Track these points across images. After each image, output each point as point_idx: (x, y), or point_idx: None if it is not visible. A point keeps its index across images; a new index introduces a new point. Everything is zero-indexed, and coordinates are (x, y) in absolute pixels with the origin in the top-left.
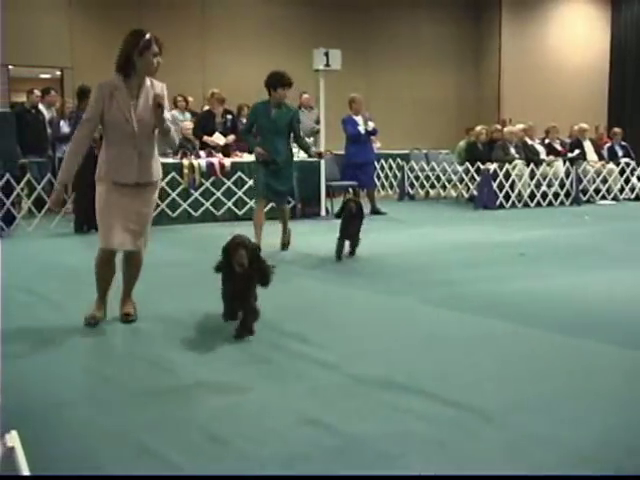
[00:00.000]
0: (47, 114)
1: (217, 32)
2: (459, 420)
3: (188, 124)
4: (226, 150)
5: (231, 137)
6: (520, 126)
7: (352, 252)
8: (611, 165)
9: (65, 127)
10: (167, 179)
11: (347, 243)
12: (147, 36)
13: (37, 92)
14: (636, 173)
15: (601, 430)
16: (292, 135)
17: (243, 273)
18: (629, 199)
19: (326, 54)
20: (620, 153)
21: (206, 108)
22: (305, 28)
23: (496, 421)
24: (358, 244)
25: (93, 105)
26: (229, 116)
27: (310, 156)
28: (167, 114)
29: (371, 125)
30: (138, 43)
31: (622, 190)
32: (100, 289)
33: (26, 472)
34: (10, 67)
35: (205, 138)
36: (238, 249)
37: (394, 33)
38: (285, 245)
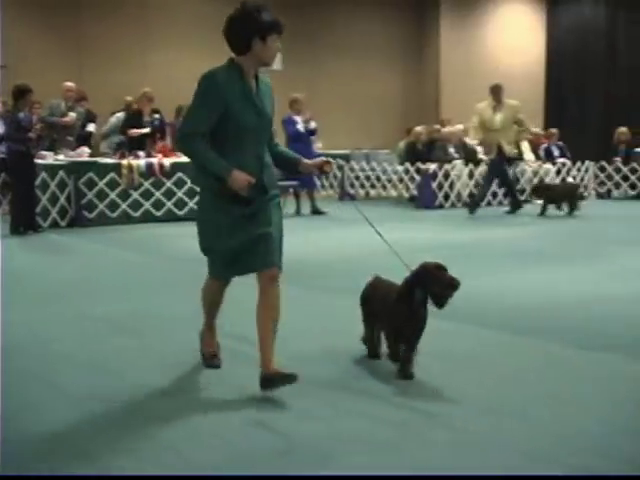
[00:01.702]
0: None
1: (158, 32)
2: (406, 421)
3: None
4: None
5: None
6: (459, 126)
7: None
8: (548, 165)
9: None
10: (106, 179)
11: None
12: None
13: None
14: (572, 173)
15: (552, 428)
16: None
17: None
18: None
19: None
20: (556, 153)
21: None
22: None
23: (443, 422)
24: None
25: None
26: (156, 115)
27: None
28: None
29: (312, 125)
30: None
31: None
32: None
33: None
34: None
35: (132, 131)
36: None
37: (336, 34)
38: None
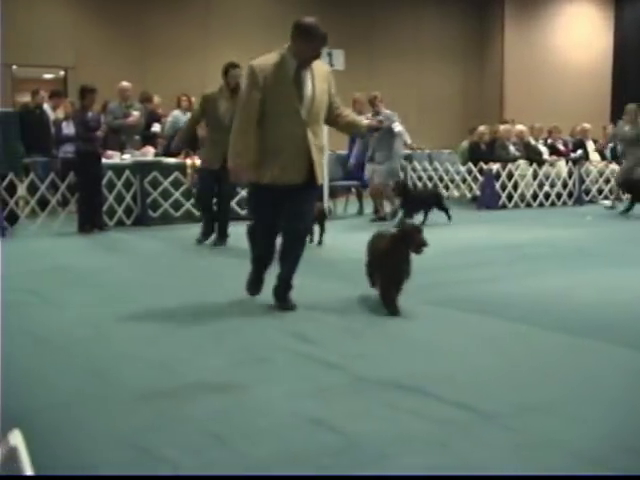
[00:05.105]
0: (51, 114)
1: (220, 31)
2: (463, 421)
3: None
4: None
5: None
6: (520, 126)
7: None
8: (613, 165)
9: (66, 128)
10: (170, 179)
11: None
12: None
13: (42, 93)
14: None
15: (609, 432)
16: None
17: None
18: None
19: (329, 54)
20: None
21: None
22: None
23: (501, 422)
24: None
25: None
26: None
27: None
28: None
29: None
30: None
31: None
32: None
33: (29, 472)
34: (14, 67)
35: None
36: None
37: (397, 32)
38: None
